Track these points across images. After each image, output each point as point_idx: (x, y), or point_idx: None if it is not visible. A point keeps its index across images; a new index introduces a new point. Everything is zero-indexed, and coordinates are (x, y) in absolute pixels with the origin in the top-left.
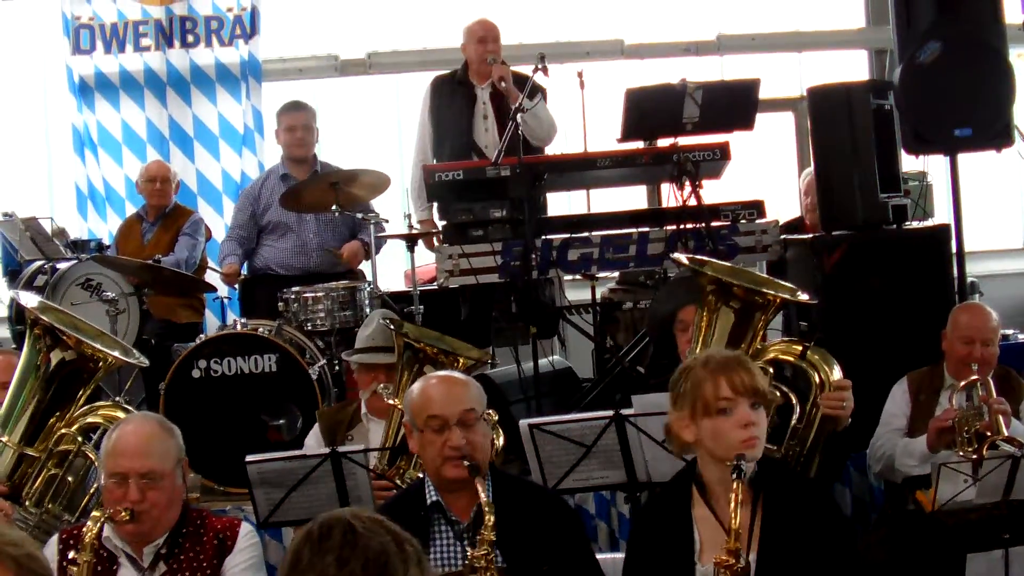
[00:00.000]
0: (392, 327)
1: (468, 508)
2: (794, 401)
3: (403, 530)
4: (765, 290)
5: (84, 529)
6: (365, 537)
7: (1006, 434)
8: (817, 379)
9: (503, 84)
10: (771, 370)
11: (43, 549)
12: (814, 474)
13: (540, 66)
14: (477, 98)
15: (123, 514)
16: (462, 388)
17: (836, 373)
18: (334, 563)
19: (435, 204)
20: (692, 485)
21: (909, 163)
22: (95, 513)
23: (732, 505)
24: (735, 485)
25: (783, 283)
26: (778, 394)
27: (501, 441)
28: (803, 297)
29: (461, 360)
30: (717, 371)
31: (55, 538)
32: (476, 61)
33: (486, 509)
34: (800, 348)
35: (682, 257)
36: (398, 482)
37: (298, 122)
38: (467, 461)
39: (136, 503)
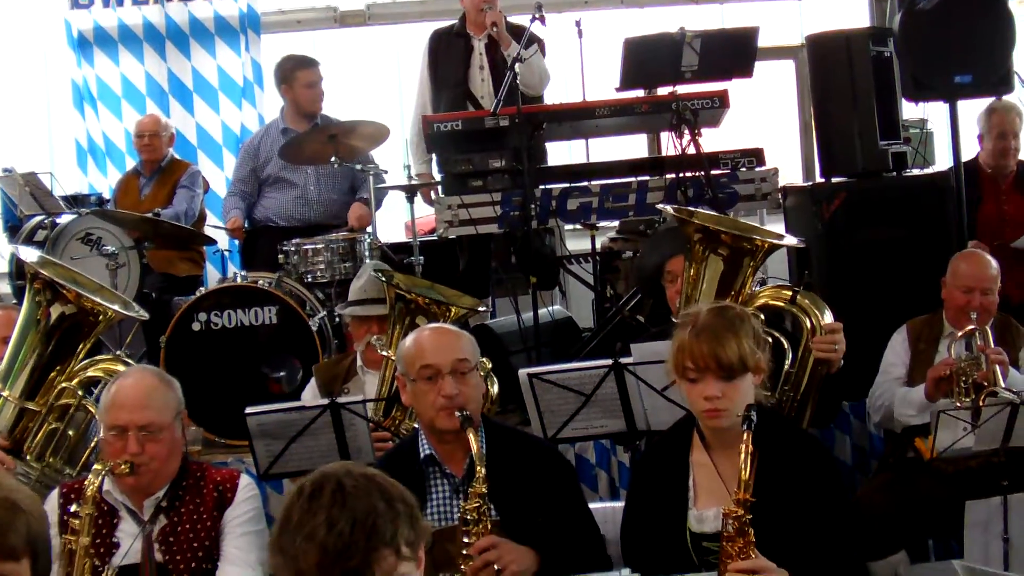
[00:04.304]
0: (383, 278)
1: (462, 461)
2: (786, 346)
3: (398, 485)
4: (752, 236)
5: (86, 483)
6: (353, 497)
7: (1003, 385)
8: (808, 324)
9: (495, 29)
10: (762, 316)
11: (44, 503)
12: (810, 417)
13: (537, 15)
14: (474, 49)
15: (123, 467)
16: (455, 338)
17: (827, 317)
18: (324, 524)
19: (434, 157)
20: (694, 431)
21: (909, 110)
22: (96, 466)
23: (742, 456)
24: (745, 436)
25: (769, 229)
26: (767, 356)
27: (495, 389)
28: (791, 241)
29: (453, 309)
30: (694, 339)
31: (55, 492)
32: (472, 10)
33: (476, 461)
34: (790, 293)
35: (668, 208)
36: (400, 433)
37: (317, 77)
38: (460, 411)
39: (135, 455)
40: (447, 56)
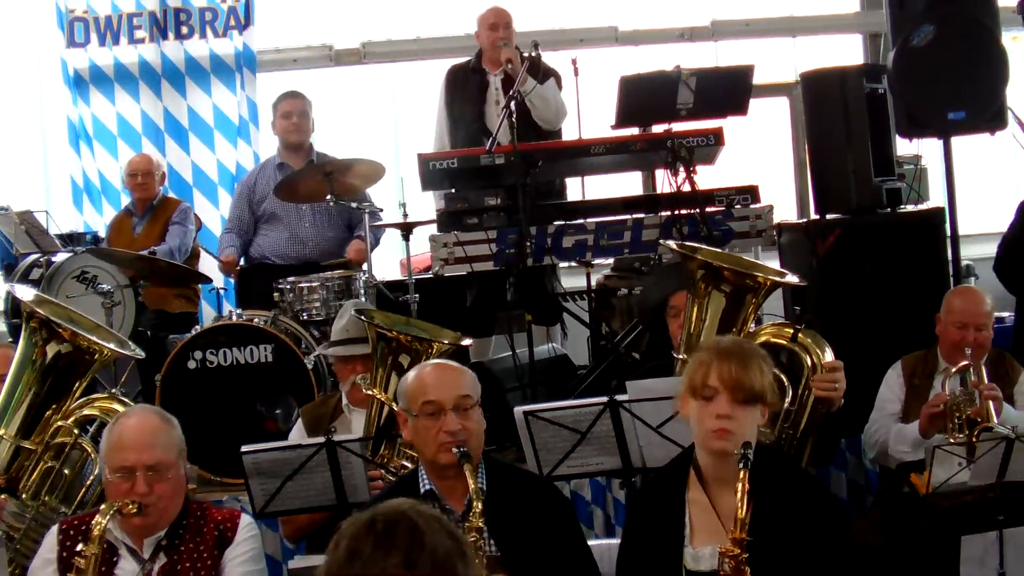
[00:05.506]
0: (364, 318)
1: (463, 496)
2: (786, 384)
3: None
4: (755, 273)
5: (93, 522)
6: (431, 537)
7: (995, 422)
8: (809, 362)
9: (510, 66)
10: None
11: (42, 540)
12: (808, 456)
13: (534, 53)
14: (489, 84)
15: (131, 507)
16: (458, 374)
17: (828, 355)
18: (401, 564)
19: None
20: (690, 468)
21: (903, 147)
22: (103, 506)
23: (739, 495)
24: (741, 475)
25: (771, 267)
26: (782, 396)
27: None
28: (792, 279)
29: (435, 345)
30: (716, 358)
31: (55, 529)
32: (488, 47)
33: (474, 496)
34: (791, 331)
35: (671, 243)
36: (391, 469)
37: (294, 108)
38: (458, 448)
39: (144, 496)
40: (464, 92)
